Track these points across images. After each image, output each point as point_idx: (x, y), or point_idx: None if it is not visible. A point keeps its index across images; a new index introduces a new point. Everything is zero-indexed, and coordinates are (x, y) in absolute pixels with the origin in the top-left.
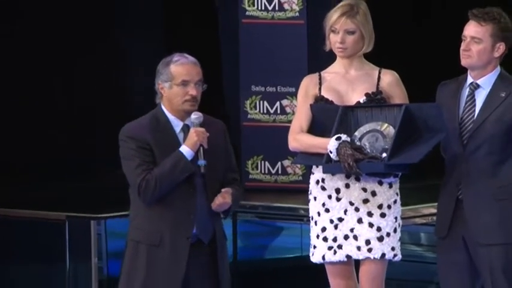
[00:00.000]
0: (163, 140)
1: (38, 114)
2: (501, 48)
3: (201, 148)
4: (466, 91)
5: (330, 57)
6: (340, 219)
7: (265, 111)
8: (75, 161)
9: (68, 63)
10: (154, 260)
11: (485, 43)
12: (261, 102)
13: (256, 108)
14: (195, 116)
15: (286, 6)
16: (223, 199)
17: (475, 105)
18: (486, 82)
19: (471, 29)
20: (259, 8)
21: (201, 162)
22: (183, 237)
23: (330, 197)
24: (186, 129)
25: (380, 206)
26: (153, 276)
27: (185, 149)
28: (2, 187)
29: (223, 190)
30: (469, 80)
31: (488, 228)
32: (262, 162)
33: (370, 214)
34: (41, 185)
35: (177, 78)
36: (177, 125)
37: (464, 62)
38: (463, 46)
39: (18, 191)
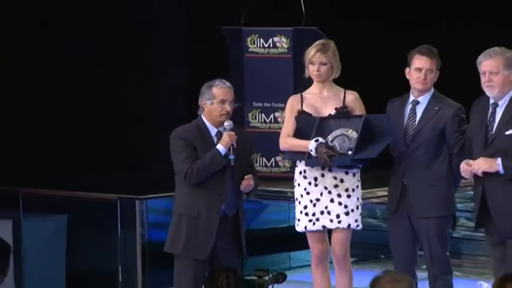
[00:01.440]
0: (203, 141)
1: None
2: (437, 75)
3: (232, 147)
4: (409, 106)
5: (309, 82)
6: (318, 200)
7: (262, 120)
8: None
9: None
10: (193, 228)
11: (434, 73)
12: (260, 114)
13: (256, 119)
14: (228, 123)
15: (278, 44)
16: (248, 182)
17: (415, 116)
18: (424, 99)
19: (425, 62)
20: (258, 46)
21: (231, 157)
22: (215, 212)
23: (309, 183)
24: (219, 134)
25: (347, 190)
26: (192, 240)
27: (220, 147)
28: (70, 175)
29: (247, 176)
30: (412, 97)
31: (425, 206)
32: (261, 157)
33: (339, 195)
34: (98, 174)
35: (218, 98)
36: (213, 130)
37: (420, 87)
38: (422, 76)
39: (82, 178)
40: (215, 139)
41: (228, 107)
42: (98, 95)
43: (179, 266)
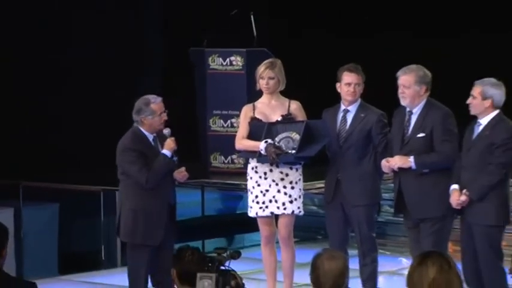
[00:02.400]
0: (146, 148)
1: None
2: (363, 88)
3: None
4: (341, 114)
5: (260, 94)
6: (267, 191)
7: (221, 125)
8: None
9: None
10: (148, 220)
11: (361, 86)
12: (219, 120)
13: (215, 124)
14: (167, 131)
15: (234, 63)
16: (184, 173)
17: (346, 122)
18: (353, 108)
19: (354, 78)
20: (218, 64)
21: (175, 158)
22: (165, 205)
23: (260, 177)
24: (155, 139)
25: (291, 182)
26: (148, 230)
27: (167, 152)
28: (62, 170)
29: (182, 168)
30: (342, 107)
31: (356, 196)
32: (219, 156)
33: (285, 187)
34: (86, 169)
35: (157, 112)
36: (150, 137)
37: (350, 98)
38: (351, 90)
39: (73, 173)
40: (153, 143)
41: (165, 117)
42: (94, 101)
43: (136, 253)
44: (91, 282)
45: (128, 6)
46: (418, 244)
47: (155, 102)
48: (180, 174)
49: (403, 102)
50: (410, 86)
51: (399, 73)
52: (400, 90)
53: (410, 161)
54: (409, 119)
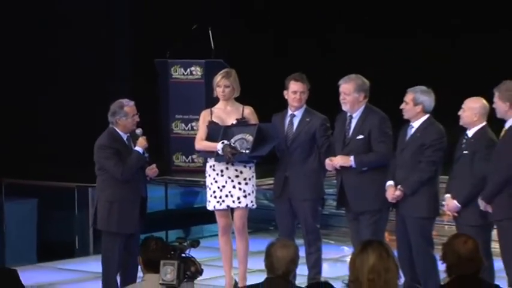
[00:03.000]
0: (121, 145)
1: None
2: (308, 95)
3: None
4: (288, 118)
5: (216, 100)
6: (223, 186)
7: (182, 128)
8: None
9: None
10: (123, 210)
11: (305, 93)
12: (181, 123)
13: (177, 127)
14: (139, 131)
15: (194, 72)
16: (155, 170)
17: (293, 126)
18: (299, 113)
19: (299, 86)
20: (179, 74)
21: (146, 155)
22: (138, 196)
23: (217, 174)
24: (129, 138)
25: (245, 179)
26: (123, 219)
27: (139, 149)
28: (40, 168)
29: (153, 165)
30: (289, 112)
31: (302, 191)
32: (181, 156)
33: (239, 183)
34: (62, 167)
35: (130, 114)
36: (124, 136)
37: (297, 105)
38: (297, 97)
39: (51, 170)
40: (127, 142)
41: (137, 118)
42: (70, 104)
43: (111, 240)
44: (66, 268)
45: (102, 23)
46: (358, 234)
47: (128, 105)
48: (152, 170)
49: (344, 108)
50: (350, 94)
51: (340, 82)
52: (341, 97)
53: (350, 160)
54: (350, 122)
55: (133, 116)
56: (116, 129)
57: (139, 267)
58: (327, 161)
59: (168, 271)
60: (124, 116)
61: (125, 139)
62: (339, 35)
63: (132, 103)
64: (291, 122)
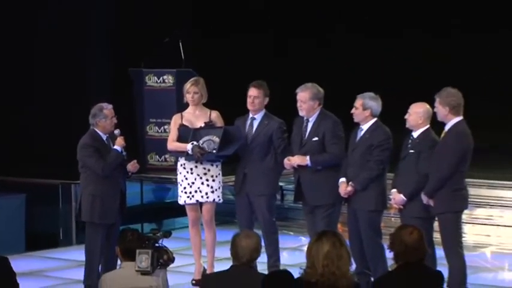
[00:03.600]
0: (101, 145)
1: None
2: (265, 100)
3: (123, 147)
4: (249, 121)
5: (186, 105)
6: (193, 183)
7: (156, 131)
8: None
9: None
10: (105, 203)
11: (260, 99)
12: (154, 126)
13: (151, 130)
14: (117, 131)
15: (166, 80)
16: (136, 165)
17: (253, 127)
18: (258, 117)
19: (253, 92)
20: (153, 82)
21: (124, 153)
22: (117, 190)
23: (187, 172)
24: (108, 138)
25: (212, 176)
26: (105, 211)
27: (118, 148)
28: (29, 165)
29: (134, 161)
30: (250, 115)
31: (259, 187)
32: (155, 155)
33: (207, 180)
34: (48, 165)
35: (109, 116)
36: (104, 136)
37: (251, 108)
38: (251, 101)
39: (39, 168)
40: (106, 142)
41: (115, 120)
42: (54, 108)
43: (94, 230)
44: (52, 257)
45: (81, 36)
46: (313, 226)
47: (107, 108)
48: (133, 165)
49: (301, 113)
50: (306, 101)
51: (298, 90)
52: (298, 104)
53: (307, 160)
54: (306, 126)
55: (112, 118)
56: (96, 130)
57: None
58: (286, 160)
59: (143, 259)
60: (103, 118)
61: (104, 139)
62: (293, 43)
63: (110, 106)
64: (251, 125)
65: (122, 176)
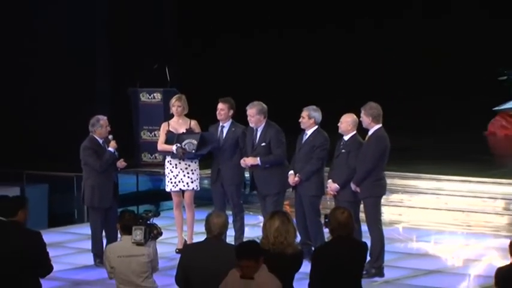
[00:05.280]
0: (98, 147)
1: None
2: (231, 113)
3: (116, 149)
4: (220, 128)
5: (172, 116)
6: (177, 175)
7: (148, 135)
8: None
9: None
10: (102, 192)
11: (226, 111)
12: (147, 132)
13: (145, 135)
14: (111, 136)
15: (155, 97)
16: (124, 162)
17: (223, 133)
18: (227, 125)
19: (220, 106)
20: (146, 98)
21: (116, 153)
22: (111, 182)
23: (173, 167)
24: (104, 142)
25: (192, 170)
26: (103, 197)
27: (111, 149)
28: (48, 163)
29: (122, 159)
30: (221, 124)
31: (230, 179)
32: (148, 154)
33: (188, 173)
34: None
35: (104, 125)
36: (100, 140)
37: (219, 118)
38: (218, 113)
39: (58, 164)
40: (102, 145)
41: (109, 128)
42: (63, 118)
43: (94, 213)
44: (68, 232)
45: (88, 60)
46: (265, 208)
47: (103, 119)
48: (121, 163)
49: (251, 125)
50: (254, 116)
51: (247, 107)
52: (248, 118)
53: (257, 160)
54: (256, 134)
55: (106, 126)
56: (94, 136)
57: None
58: (242, 161)
59: (138, 233)
60: (100, 126)
61: (101, 142)
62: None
63: (105, 118)
64: (222, 131)
65: (114, 171)
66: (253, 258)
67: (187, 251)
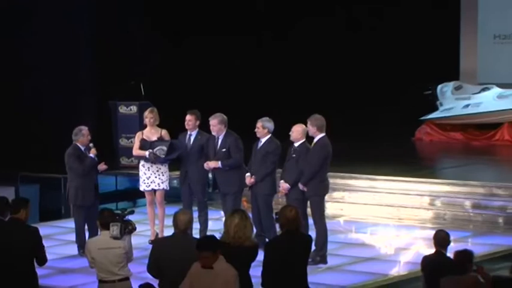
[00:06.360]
0: (80, 154)
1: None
2: (197, 123)
3: (96, 155)
4: (187, 136)
5: (145, 126)
6: (149, 177)
7: (126, 142)
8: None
9: None
10: (85, 191)
11: (193, 121)
12: (124, 139)
13: (123, 141)
14: (91, 144)
15: (132, 109)
16: (105, 166)
17: (190, 140)
18: (194, 133)
19: (188, 117)
20: (124, 110)
21: (96, 158)
22: (92, 184)
23: (146, 169)
24: (86, 149)
25: (162, 172)
26: (85, 196)
27: (92, 155)
28: (38, 164)
29: (102, 163)
30: (189, 132)
31: (196, 179)
32: (125, 158)
33: (159, 174)
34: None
35: (86, 135)
36: (82, 148)
37: (187, 127)
38: (187, 122)
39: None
40: (84, 151)
41: (90, 137)
42: (56, 129)
43: (77, 210)
44: (56, 225)
45: (73, 77)
46: (225, 205)
47: (84, 129)
48: (101, 166)
49: (213, 133)
50: (216, 125)
51: (210, 118)
52: (211, 127)
53: (219, 164)
54: (218, 141)
55: (88, 135)
56: (77, 144)
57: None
58: (205, 164)
59: (115, 229)
60: (82, 136)
61: (83, 150)
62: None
63: (86, 128)
64: (189, 139)
65: (95, 173)
66: (211, 250)
67: (157, 243)
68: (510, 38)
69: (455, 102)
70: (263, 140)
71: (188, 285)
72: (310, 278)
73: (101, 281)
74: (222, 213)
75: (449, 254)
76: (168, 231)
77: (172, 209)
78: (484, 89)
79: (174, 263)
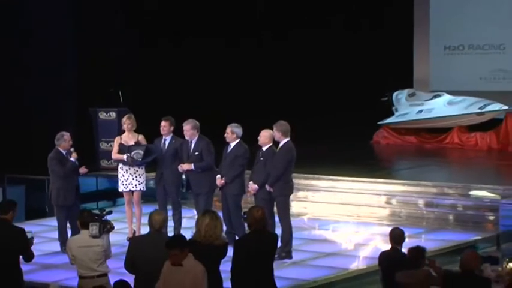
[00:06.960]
0: (62, 158)
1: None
2: (172, 128)
3: (77, 159)
4: (163, 140)
5: (123, 131)
6: (128, 178)
7: (105, 146)
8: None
9: None
10: (66, 192)
11: (168, 127)
12: (104, 143)
13: (103, 145)
14: (72, 149)
15: (111, 115)
16: (86, 169)
17: (165, 145)
18: (168, 138)
19: (162, 123)
20: (103, 116)
21: (77, 162)
22: (73, 185)
23: (124, 172)
24: (67, 153)
25: (139, 174)
26: (67, 196)
27: (73, 159)
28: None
29: (83, 167)
30: (164, 137)
31: (171, 180)
32: (105, 160)
33: (136, 176)
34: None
35: (67, 140)
36: (64, 152)
37: (163, 133)
38: (162, 128)
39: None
40: (66, 155)
41: (71, 142)
42: (40, 135)
43: (59, 210)
44: (41, 224)
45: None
46: (198, 204)
47: (66, 135)
48: (82, 169)
49: (186, 137)
50: (189, 130)
51: (184, 124)
52: (184, 132)
53: (192, 166)
54: (190, 145)
55: (69, 141)
56: (59, 148)
57: None
58: (179, 166)
59: (94, 228)
60: (63, 141)
61: (64, 154)
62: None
63: (68, 134)
64: (164, 143)
65: (76, 176)
66: (179, 248)
67: (134, 241)
68: (459, 49)
69: (409, 108)
70: (232, 145)
71: (162, 284)
72: (276, 273)
73: (81, 277)
74: (195, 211)
75: (404, 249)
76: (145, 229)
77: (148, 208)
78: (435, 96)
79: (149, 260)
